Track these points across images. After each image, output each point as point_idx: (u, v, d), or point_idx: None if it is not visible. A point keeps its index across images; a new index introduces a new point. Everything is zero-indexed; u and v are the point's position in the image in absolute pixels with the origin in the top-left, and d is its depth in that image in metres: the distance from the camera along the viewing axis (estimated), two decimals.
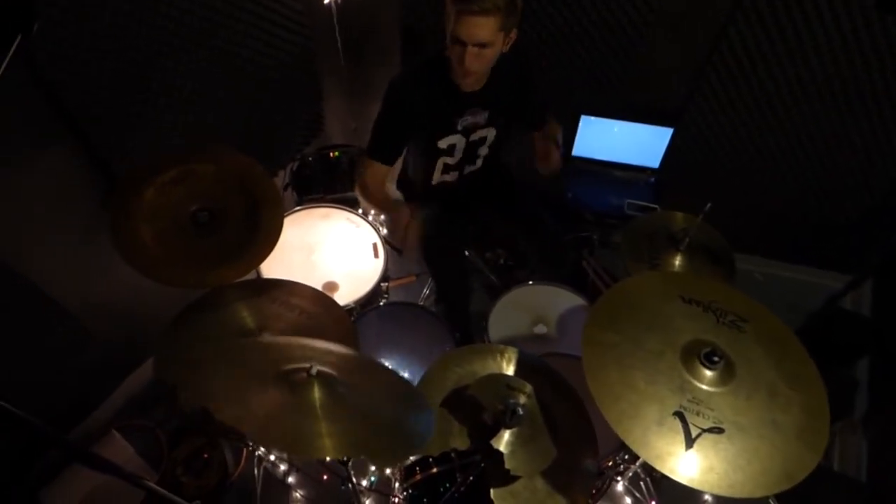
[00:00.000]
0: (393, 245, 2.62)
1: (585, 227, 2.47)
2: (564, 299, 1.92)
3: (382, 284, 1.91)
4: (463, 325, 2.05)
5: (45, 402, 1.75)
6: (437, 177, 1.94)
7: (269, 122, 2.18)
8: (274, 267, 1.81)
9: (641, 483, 1.93)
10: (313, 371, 0.98)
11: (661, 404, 1.01)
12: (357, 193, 1.85)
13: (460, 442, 1.18)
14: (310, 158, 2.17)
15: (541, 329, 1.84)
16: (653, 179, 2.34)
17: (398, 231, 1.82)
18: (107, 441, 1.86)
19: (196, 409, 0.86)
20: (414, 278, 2.60)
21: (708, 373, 1.04)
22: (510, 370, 1.33)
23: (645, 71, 2.10)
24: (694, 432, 0.97)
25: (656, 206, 2.21)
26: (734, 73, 2.01)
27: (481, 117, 1.79)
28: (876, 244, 2.33)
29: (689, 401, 1.01)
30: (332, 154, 2.18)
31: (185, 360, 1.35)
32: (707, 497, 1.97)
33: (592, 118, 2.23)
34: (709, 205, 1.54)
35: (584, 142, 2.31)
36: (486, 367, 1.30)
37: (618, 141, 2.28)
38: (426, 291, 2.52)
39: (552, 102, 1.96)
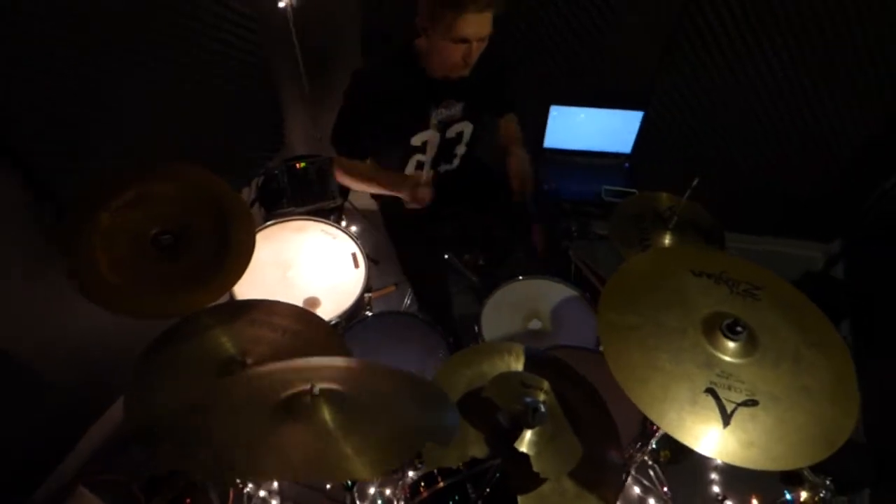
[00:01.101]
0: (369, 256, 2.53)
1: (563, 218, 2.44)
2: (554, 291, 1.87)
3: (365, 295, 1.81)
4: (451, 330, 1.97)
5: (1, 463, 1.56)
6: (409, 170, 1.86)
7: (227, 137, 2.05)
8: (249, 288, 1.68)
9: (650, 471, 1.89)
10: (315, 391, 0.88)
11: (690, 382, 0.95)
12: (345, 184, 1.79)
13: (478, 450, 1.09)
14: (276, 171, 2.06)
15: (535, 324, 1.79)
16: (627, 165, 2.33)
17: (410, 186, 1.66)
18: (75, 499, 1.67)
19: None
20: (394, 288, 2.52)
21: (732, 344, 1.00)
22: (518, 367, 1.25)
23: (612, 53, 2.09)
24: (729, 408, 0.92)
25: (634, 190, 2.19)
26: (698, 48, 2.02)
27: (456, 109, 1.72)
28: (847, 211, 2.39)
29: (718, 375, 0.96)
30: (297, 165, 2.07)
31: (169, 418, 1.20)
32: (713, 476, 1.95)
33: (561, 107, 2.20)
34: (696, 179, 1.52)
35: (554, 132, 2.28)
36: (493, 367, 1.22)
37: (589, 129, 2.26)
38: (408, 301, 2.44)
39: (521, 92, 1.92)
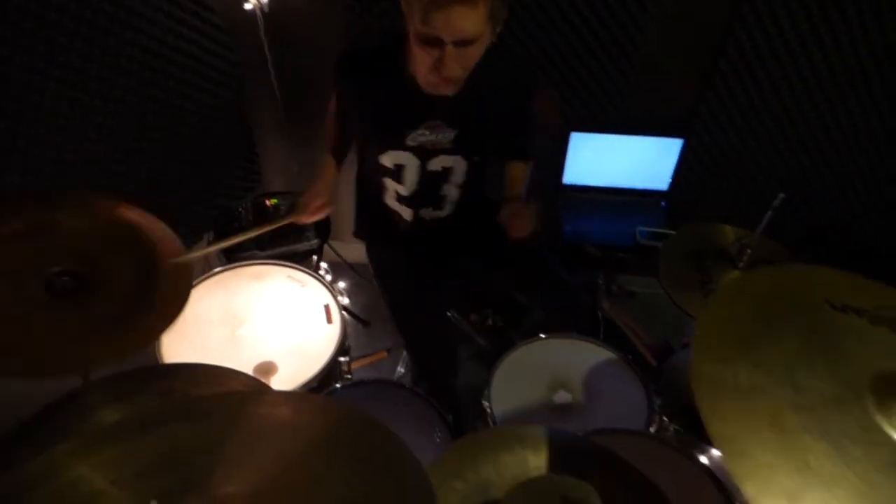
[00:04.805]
0: (358, 317, 2.14)
1: (588, 266, 2.04)
2: (586, 354, 1.43)
3: (341, 359, 1.39)
4: (453, 406, 1.53)
5: None
6: (389, 200, 1.51)
7: (191, 175, 1.74)
8: (185, 349, 1.28)
9: None
10: None
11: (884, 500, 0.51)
12: None
13: None
14: (240, 208, 1.70)
15: (563, 397, 1.34)
16: (664, 203, 1.96)
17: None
18: None
19: None
20: (385, 354, 2.10)
21: None
22: (540, 462, 0.80)
23: (647, 70, 1.75)
24: None
25: (673, 231, 1.80)
26: (757, 53, 1.66)
27: (444, 136, 1.31)
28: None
29: None
30: (267, 201, 1.72)
31: None
32: None
33: (584, 135, 1.86)
34: (780, 196, 1.13)
35: (576, 165, 1.92)
36: (502, 466, 0.78)
37: (618, 160, 1.91)
38: (401, 370, 2.01)
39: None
